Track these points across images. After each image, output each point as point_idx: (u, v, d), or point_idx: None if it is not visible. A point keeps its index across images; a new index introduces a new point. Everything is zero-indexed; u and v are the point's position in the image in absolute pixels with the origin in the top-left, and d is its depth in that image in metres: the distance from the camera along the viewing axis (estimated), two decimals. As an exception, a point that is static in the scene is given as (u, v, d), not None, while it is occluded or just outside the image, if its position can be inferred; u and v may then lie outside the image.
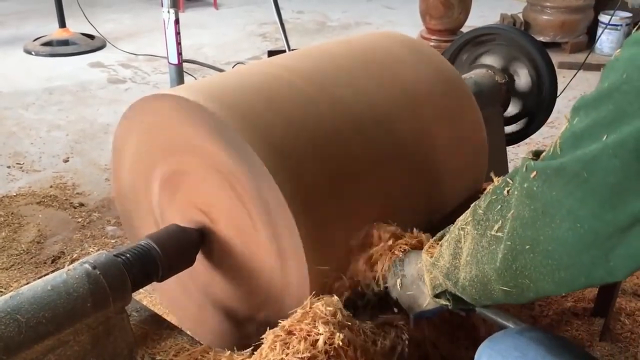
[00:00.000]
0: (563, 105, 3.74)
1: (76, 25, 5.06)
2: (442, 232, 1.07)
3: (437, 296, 1.03)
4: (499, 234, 0.81)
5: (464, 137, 1.53)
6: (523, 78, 2.04)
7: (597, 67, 4.44)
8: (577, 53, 4.75)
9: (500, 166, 2.07)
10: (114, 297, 1.10)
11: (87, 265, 1.10)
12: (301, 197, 1.11)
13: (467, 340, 1.55)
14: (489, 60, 2.07)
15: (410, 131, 1.38)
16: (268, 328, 1.07)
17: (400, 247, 1.16)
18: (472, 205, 0.92)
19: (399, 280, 1.13)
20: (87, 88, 4.19)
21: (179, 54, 3.00)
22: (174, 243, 1.25)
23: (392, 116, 1.36)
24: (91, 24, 4.89)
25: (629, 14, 4.77)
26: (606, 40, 4.79)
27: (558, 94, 2.10)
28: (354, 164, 1.24)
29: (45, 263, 2.27)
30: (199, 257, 1.33)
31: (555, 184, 0.71)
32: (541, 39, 4.73)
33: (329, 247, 1.17)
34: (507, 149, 2.30)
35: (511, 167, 2.42)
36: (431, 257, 1.04)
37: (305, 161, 1.16)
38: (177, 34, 2.94)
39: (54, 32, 5.01)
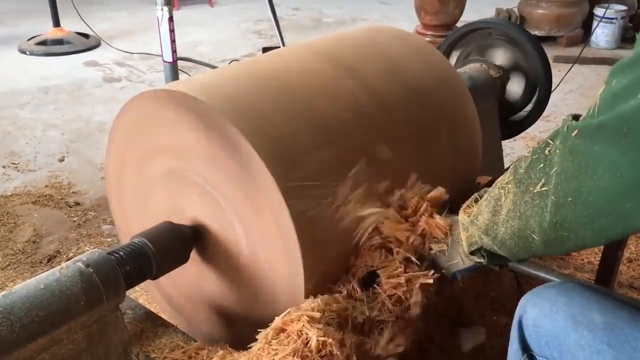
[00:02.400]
0: (559, 99, 3.74)
1: (72, 25, 5.05)
2: (476, 194, 1.15)
3: (472, 253, 1.11)
4: (544, 188, 0.88)
5: (459, 131, 1.52)
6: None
7: (592, 61, 4.44)
8: (572, 47, 4.75)
9: (495, 160, 2.07)
10: (107, 295, 1.09)
11: (80, 264, 1.09)
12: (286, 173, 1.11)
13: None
14: (483, 54, 2.07)
15: (406, 124, 1.38)
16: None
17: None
18: (511, 166, 0.99)
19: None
20: (82, 87, 4.18)
21: (174, 51, 2.99)
22: (167, 240, 1.25)
23: (387, 109, 1.35)
24: (85, 23, 4.88)
25: (623, 7, 4.77)
26: (601, 34, 4.79)
27: (554, 87, 2.10)
28: (347, 148, 1.23)
29: (41, 262, 2.27)
30: (193, 254, 1.33)
31: (596, 140, 0.78)
32: (536, 33, 4.73)
33: (324, 241, 1.16)
34: (503, 144, 2.30)
35: (507, 161, 2.41)
36: (469, 216, 1.11)
37: (297, 143, 1.16)
38: (172, 31, 2.93)
39: (48, 31, 4.99)
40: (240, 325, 1.31)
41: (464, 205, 1.16)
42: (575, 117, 0.85)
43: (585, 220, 0.82)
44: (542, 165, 0.89)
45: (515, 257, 1.03)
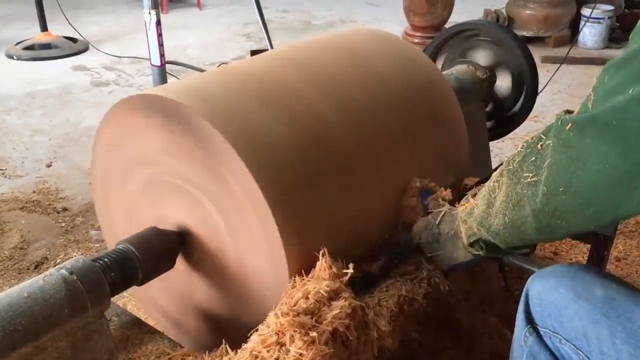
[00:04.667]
0: (547, 99, 3.76)
1: (59, 29, 5.02)
2: (475, 189, 1.20)
3: (471, 245, 1.14)
4: (534, 179, 0.92)
5: (444, 135, 1.53)
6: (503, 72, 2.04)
7: (580, 61, 4.46)
8: (560, 47, 4.77)
9: (483, 161, 2.07)
10: (91, 303, 1.08)
11: (63, 271, 1.08)
12: (276, 188, 1.11)
13: (451, 337, 1.55)
14: (470, 55, 2.07)
15: (391, 128, 1.38)
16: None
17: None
18: (505, 161, 1.02)
19: (434, 237, 1.24)
20: (70, 91, 4.16)
21: (162, 55, 2.98)
22: (153, 246, 1.24)
23: (371, 112, 1.35)
24: (73, 27, 4.85)
25: (610, 7, 4.80)
26: (589, 34, 4.82)
27: (542, 88, 2.10)
28: (331, 157, 1.23)
29: (28, 269, 2.25)
30: (179, 259, 1.32)
31: (588, 133, 0.83)
32: (524, 33, 4.75)
33: (312, 248, 1.16)
34: (492, 145, 2.30)
35: (495, 161, 2.42)
36: (465, 209, 1.16)
37: (278, 148, 1.16)
38: (159, 35, 2.92)
39: (35, 35, 4.97)
40: (229, 332, 1.30)
41: (463, 201, 1.20)
42: (568, 112, 0.89)
43: (575, 210, 0.86)
44: (534, 158, 0.93)
45: (509, 246, 1.06)
